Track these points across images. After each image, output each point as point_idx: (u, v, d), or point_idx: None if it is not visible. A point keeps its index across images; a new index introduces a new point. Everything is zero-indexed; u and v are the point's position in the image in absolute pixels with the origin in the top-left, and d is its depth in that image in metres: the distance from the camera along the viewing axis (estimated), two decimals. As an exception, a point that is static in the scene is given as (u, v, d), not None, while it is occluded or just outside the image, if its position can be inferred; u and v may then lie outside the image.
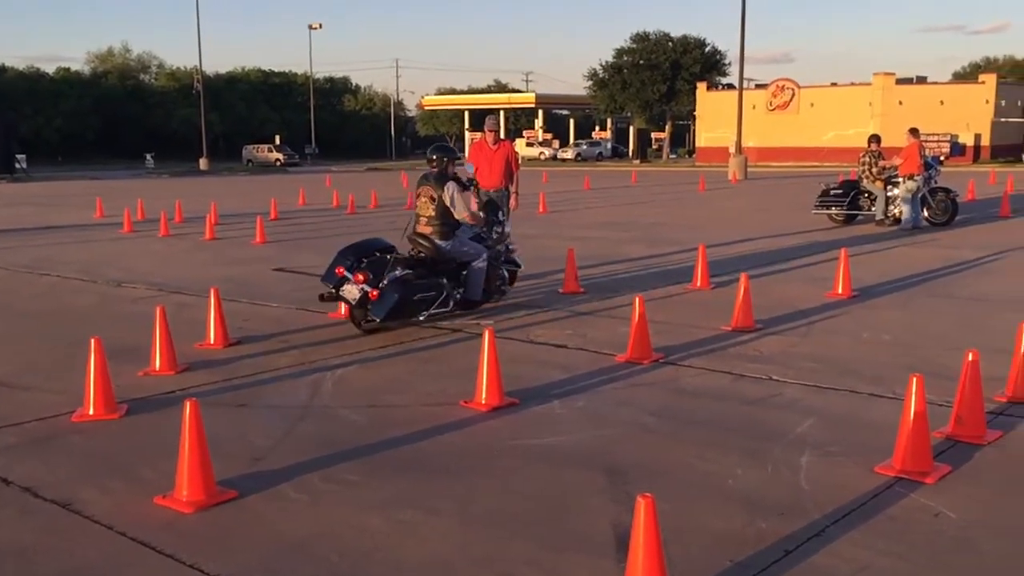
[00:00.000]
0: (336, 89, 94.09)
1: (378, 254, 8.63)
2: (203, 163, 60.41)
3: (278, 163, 67.10)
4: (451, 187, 8.83)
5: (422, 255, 8.86)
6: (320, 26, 75.89)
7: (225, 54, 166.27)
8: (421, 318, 8.65)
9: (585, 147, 74.61)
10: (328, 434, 5.62)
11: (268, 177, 49.49)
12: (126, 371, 6.98)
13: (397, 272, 8.35)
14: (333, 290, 8.48)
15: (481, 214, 9.37)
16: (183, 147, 73.62)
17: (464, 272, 9.04)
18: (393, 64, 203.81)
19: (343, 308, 9.11)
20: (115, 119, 77.32)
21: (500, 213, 9.73)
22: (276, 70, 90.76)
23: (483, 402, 6.08)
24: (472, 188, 9.50)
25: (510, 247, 9.94)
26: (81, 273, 12.83)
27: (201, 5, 60.53)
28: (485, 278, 9.15)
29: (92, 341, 5.99)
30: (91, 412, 5.96)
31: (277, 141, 73.53)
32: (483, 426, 5.76)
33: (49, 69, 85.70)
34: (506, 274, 9.78)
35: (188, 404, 4.55)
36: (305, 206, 25.50)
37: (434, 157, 9.03)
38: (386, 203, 25.79)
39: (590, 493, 4.62)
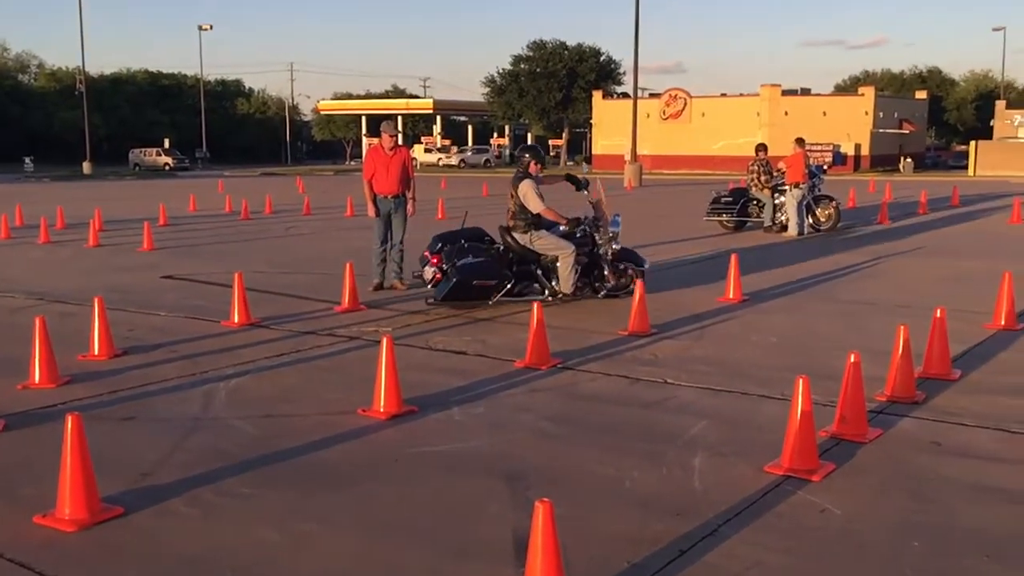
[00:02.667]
0: (228, 92, 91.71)
1: (463, 241, 9.48)
2: (87, 167, 58.12)
3: (167, 167, 64.98)
4: (524, 185, 9.68)
5: (504, 247, 9.75)
6: (211, 27, 73.94)
7: (110, 54, 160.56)
8: (489, 303, 9.51)
9: (471, 154, 74.36)
10: (221, 446, 5.47)
11: (157, 182, 47.94)
12: (4, 384, 6.66)
13: (469, 259, 9.25)
14: (421, 269, 9.64)
15: (597, 212, 10.04)
16: (65, 150, 70.54)
17: (558, 264, 9.77)
18: (288, 68, 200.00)
19: (235, 316, 8.94)
20: (-9, 121, 73.63)
21: (591, 214, 10.06)
22: (165, 71, 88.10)
23: (381, 410, 6.02)
24: (586, 189, 10.29)
25: (615, 245, 10.21)
26: (-47, 282, 12.16)
27: (84, 2, 58.44)
28: (577, 273, 9.79)
29: (-35, 353, 5.69)
30: (-36, 428, 5.66)
31: (166, 145, 71.26)
32: (381, 434, 5.71)
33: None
34: (608, 271, 10.12)
35: (70, 418, 4.36)
36: (196, 212, 24.78)
37: (524, 156, 10.03)
38: (281, 209, 25.31)
39: (490, 499, 4.63)
